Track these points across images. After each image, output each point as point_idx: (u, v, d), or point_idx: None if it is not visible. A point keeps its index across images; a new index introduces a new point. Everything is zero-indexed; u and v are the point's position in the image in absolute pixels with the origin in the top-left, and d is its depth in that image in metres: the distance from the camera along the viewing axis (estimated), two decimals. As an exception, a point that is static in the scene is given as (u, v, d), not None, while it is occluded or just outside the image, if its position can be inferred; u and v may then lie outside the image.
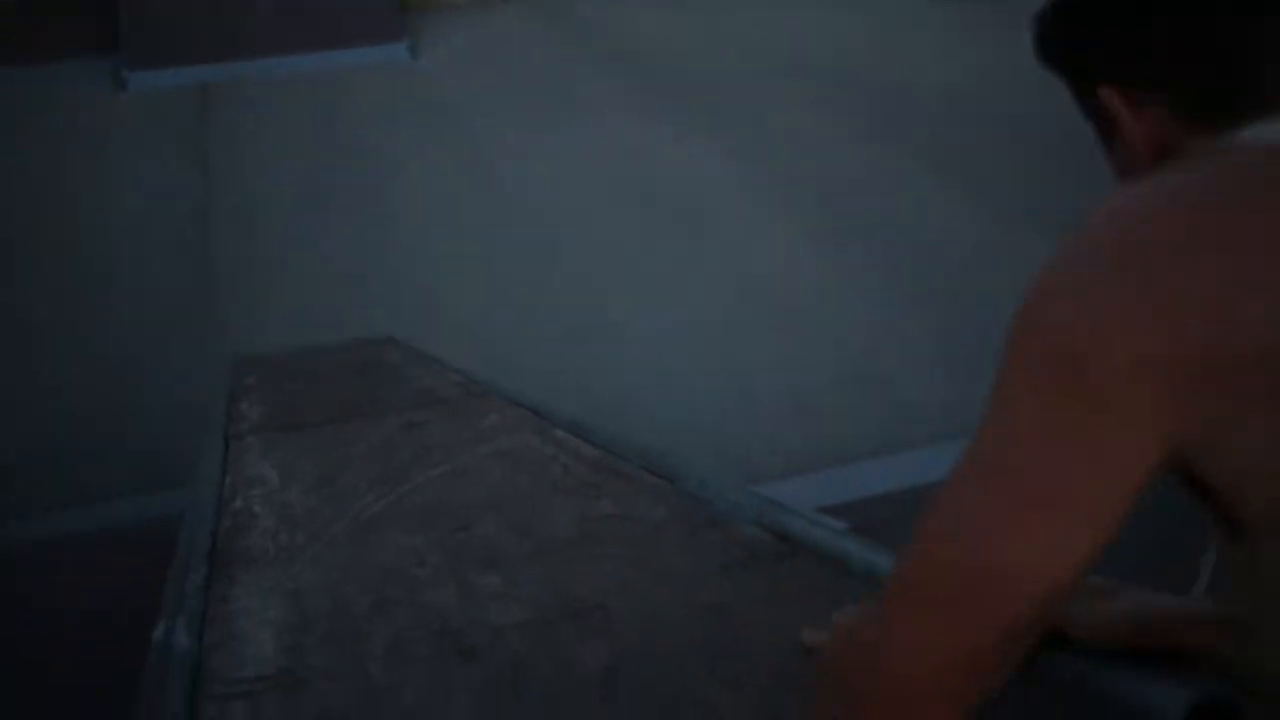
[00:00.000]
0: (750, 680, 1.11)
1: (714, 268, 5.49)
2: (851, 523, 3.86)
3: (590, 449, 1.90)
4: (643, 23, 8.90)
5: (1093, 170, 1.10)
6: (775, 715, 1.06)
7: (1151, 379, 0.78)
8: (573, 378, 4.49)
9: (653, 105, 7.34)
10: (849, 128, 6.83)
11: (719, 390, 4.70)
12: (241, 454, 2.16)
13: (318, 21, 8.39)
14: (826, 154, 6.52)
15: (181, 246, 5.76)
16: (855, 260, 5.46)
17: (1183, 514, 0.86)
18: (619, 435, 1.95)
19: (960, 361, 4.50)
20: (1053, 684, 1.00)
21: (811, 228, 5.75)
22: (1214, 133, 0.86)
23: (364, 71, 8.06)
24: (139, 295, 5.28)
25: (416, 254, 5.59)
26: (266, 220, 6.02)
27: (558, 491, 1.72)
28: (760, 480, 4.28)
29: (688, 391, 4.69)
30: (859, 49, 8.15)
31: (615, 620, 1.26)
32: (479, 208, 6.10)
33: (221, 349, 4.44)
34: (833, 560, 1.34)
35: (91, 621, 3.17)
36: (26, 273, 5.54)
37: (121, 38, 8.06)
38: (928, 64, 7.67)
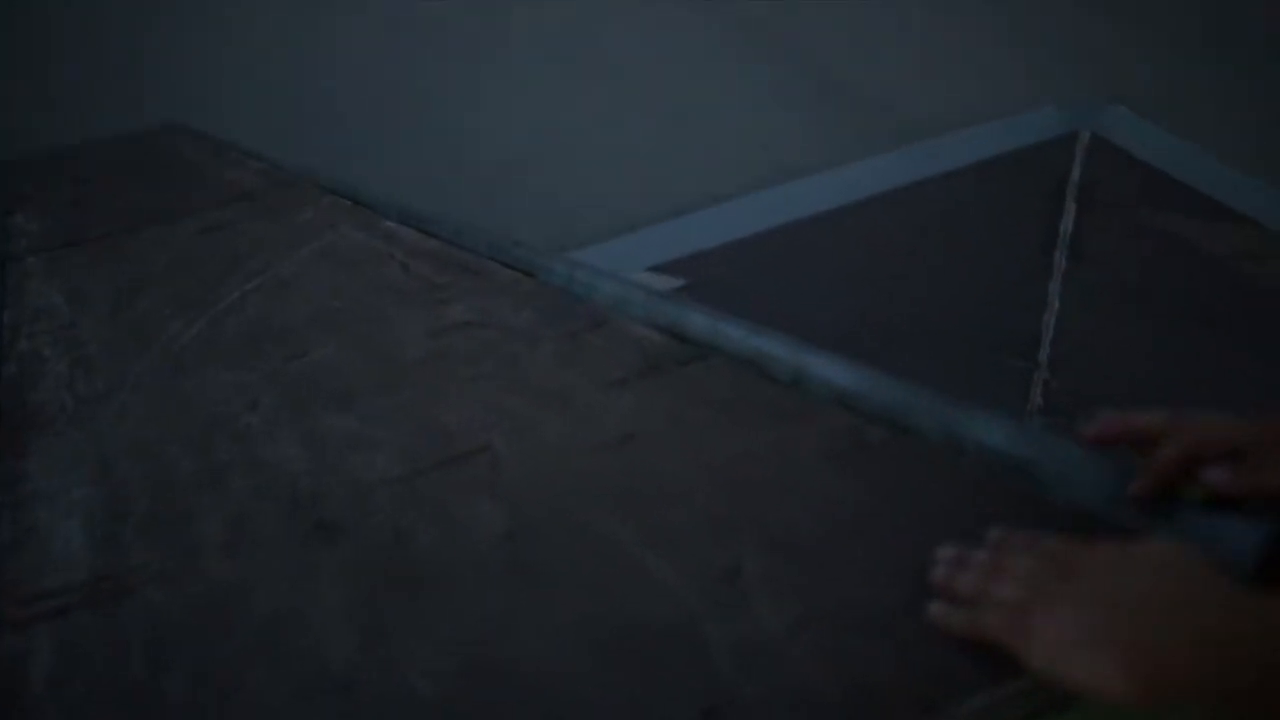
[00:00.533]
0: (688, 535, 0.91)
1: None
2: (685, 279, 3.70)
3: (429, 241, 1.65)
4: None
5: None
6: (728, 575, 0.86)
7: None
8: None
9: None
10: None
11: (538, 150, 4.44)
12: (21, 279, 1.83)
13: None
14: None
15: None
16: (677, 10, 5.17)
17: None
18: (461, 222, 1.70)
19: (784, 107, 4.32)
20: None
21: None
22: None
23: None
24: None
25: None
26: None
27: (401, 298, 1.48)
28: (588, 243, 4.09)
29: (502, 149, 4.42)
30: None
31: (505, 466, 1.04)
32: None
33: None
34: (751, 363, 1.14)
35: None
36: None
37: None
38: None
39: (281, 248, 1.71)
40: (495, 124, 4.60)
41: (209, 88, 4.33)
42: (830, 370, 1.09)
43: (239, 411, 1.22)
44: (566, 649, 0.80)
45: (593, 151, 4.47)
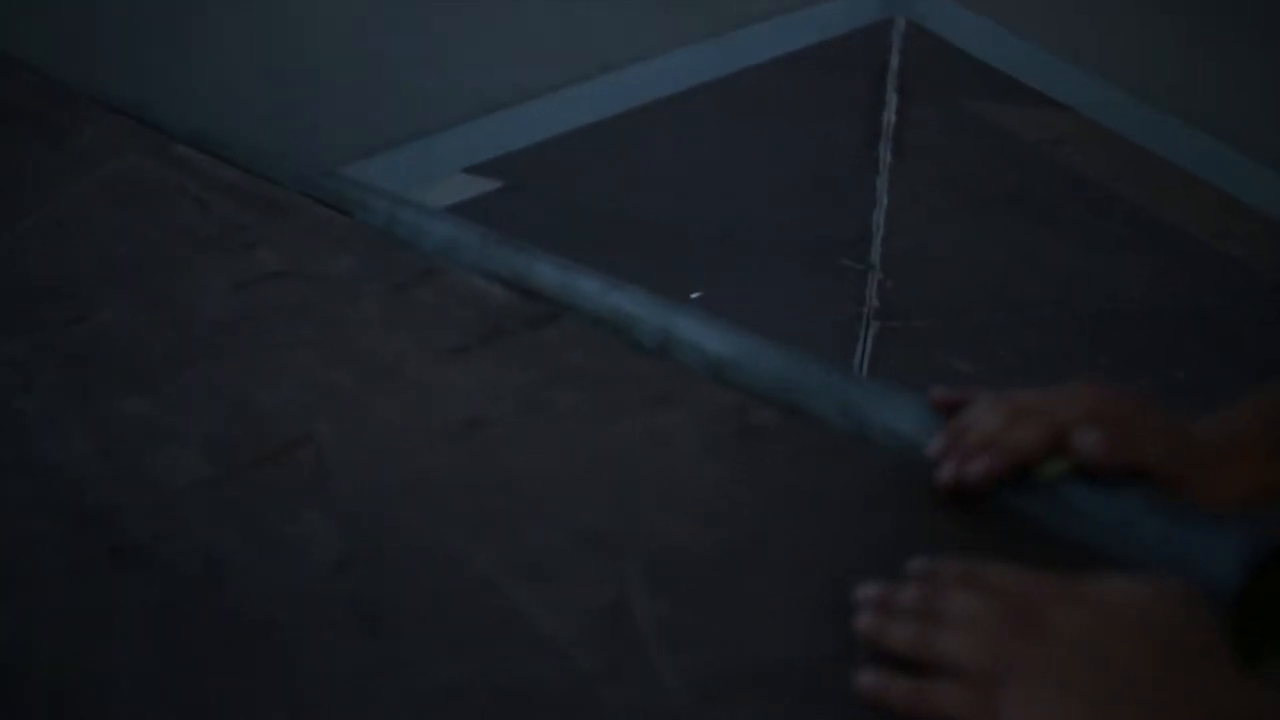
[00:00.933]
0: (559, 559, 0.77)
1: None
2: (502, 181, 3.52)
3: (228, 170, 1.46)
4: None
5: None
6: (615, 615, 0.73)
7: None
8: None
9: None
10: None
11: (341, 48, 4.19)
12: None
13: None
14: None
15: None
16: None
17: None
18: (263, 148, 1.51)
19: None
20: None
21: None
22: None
23: None
24: None
25: None
26: None
27: (199, 243, 1.29)
28: (397, 144, 3.88)
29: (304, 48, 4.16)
30: None
31: (331, 462, 0.89)
32: None
33: None
34: (611, 324, 1.00)
35: None
36: None
37: None
38: None
39: (57, 181, 1.49)
40: (295, 18, 4.32)
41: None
42: (702, 334, 0.96)
43: (9, 395, 1.03)
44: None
45: (397, 47, 4.23)
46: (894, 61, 4.07)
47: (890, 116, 3.82)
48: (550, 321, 1.03)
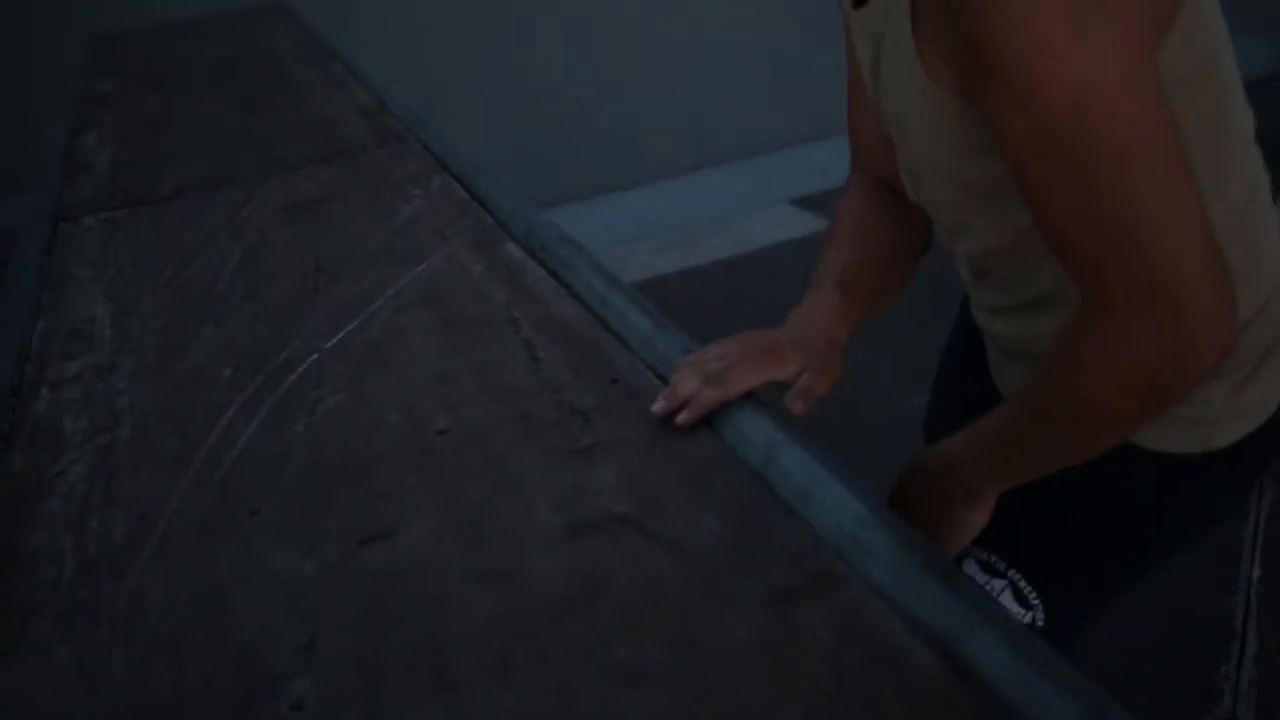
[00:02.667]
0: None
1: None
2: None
3: (563, 299, 1.46)
4: None
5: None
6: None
7: None
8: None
9: None
10: None
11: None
12: (69, 261, 1.65)
13: None
14: None
15: None
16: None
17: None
18: (601, 268, 1.49)
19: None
20: None
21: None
22: None
23: None
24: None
25: None
26: None
27: (530, 432, 1.13)
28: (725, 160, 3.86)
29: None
30: None
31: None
32: None
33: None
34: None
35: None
36: None
37: None
38: None
39: (375, 264, 1.51)
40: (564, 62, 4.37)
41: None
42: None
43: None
44: None
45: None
46: None
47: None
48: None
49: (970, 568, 1.25)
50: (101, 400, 1.25)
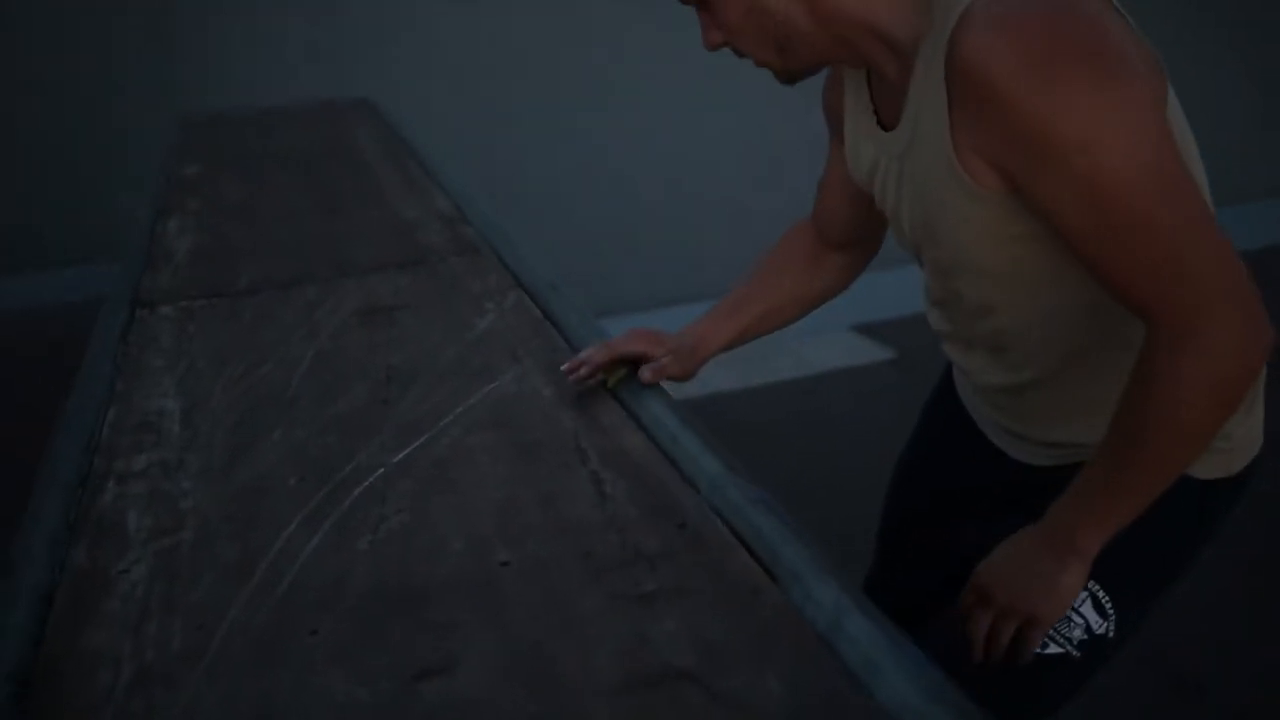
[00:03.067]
0: None
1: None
2: (895, 351, 3.41)
3: (629, 429, 1.46)
4: None
5: None
6: None
7: None
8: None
9: None
10: None
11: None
12: (144, 349, 1.66)
13: None
14: None
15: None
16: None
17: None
18: (683, 419, 1.50)
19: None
20: None
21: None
22: None
23: None
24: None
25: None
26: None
27: (590, 571, 1.14)
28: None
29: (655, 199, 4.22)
30: None
31: None
32: None
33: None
34: None
35: None
36: None
37: None
38: None
39: (446, 379, 1.52)
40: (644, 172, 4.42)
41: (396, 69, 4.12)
42: None
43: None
44: None
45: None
46: None
47: None
48: None
49: None
50: (167, 499, 1.25)
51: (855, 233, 1.59)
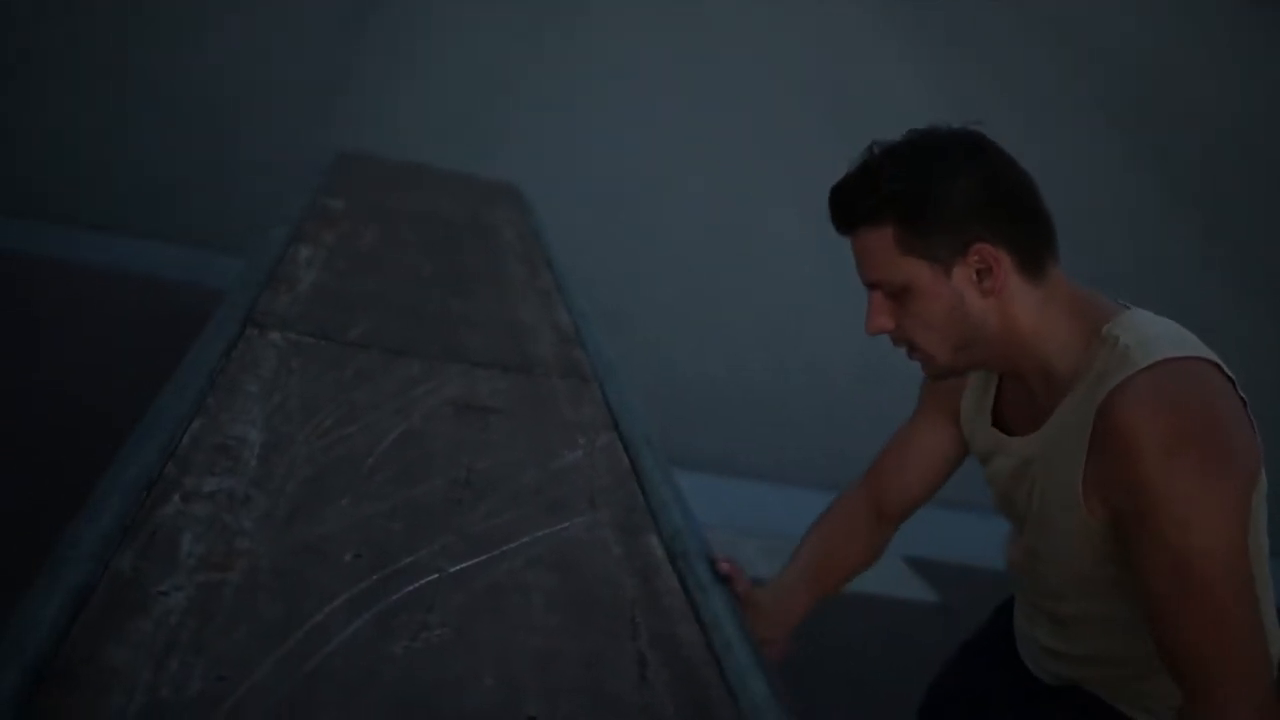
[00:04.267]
0: None
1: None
2: (940, 596, 3.29)
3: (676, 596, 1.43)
4: None
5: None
6: None
7: None
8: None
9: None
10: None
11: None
12: (243, 370, 1.67)
13: None
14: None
15: None
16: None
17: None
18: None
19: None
20: None
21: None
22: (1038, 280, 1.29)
23: None
24: None
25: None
26: None
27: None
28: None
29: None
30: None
31: None
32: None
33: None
34: None
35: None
36: None
37: None
38: None
39: (521, 501, 1.49)
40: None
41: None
42: None
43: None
44: None
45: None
46: None
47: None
48: None
49: None
50: (224, 533, 1.24)
51: (914, 509, 1.64)
